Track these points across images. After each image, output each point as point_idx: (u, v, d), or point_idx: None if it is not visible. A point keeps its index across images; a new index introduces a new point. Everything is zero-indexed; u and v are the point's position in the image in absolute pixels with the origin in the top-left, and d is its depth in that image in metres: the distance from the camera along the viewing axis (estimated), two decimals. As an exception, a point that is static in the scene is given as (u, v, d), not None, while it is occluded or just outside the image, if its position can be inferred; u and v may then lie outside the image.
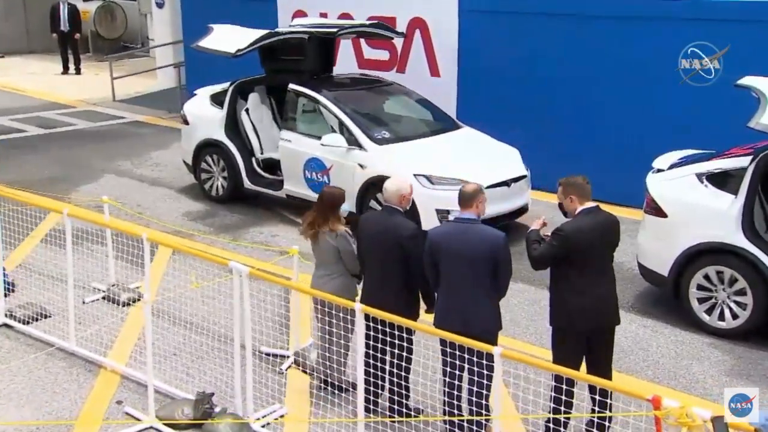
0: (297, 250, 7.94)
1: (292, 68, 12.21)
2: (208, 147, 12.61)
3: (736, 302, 8.42)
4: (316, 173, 11.35)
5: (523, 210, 11.09)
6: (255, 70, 12.85)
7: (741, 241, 8.32)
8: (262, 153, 12.44)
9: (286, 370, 7.86)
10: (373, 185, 10.72)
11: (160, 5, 21.72)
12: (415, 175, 10.48)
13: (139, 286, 9.66)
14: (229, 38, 11.95)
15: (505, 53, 13.22)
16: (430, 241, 6.56)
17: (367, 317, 6.76)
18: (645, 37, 11.70)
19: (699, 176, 8.80)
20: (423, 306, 6.97)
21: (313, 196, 11.37)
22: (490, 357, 6.30)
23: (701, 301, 8.64)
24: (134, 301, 9.27)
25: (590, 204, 6.54)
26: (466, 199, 6.50)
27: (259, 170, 12.33)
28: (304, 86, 11.75)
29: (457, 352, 6.36)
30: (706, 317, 8.61)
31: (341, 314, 7.03)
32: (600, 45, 12.26)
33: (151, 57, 23.74)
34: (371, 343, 6.71)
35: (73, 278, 8.32)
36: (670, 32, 11.42)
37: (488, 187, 10.47)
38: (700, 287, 8.61)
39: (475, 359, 6.11)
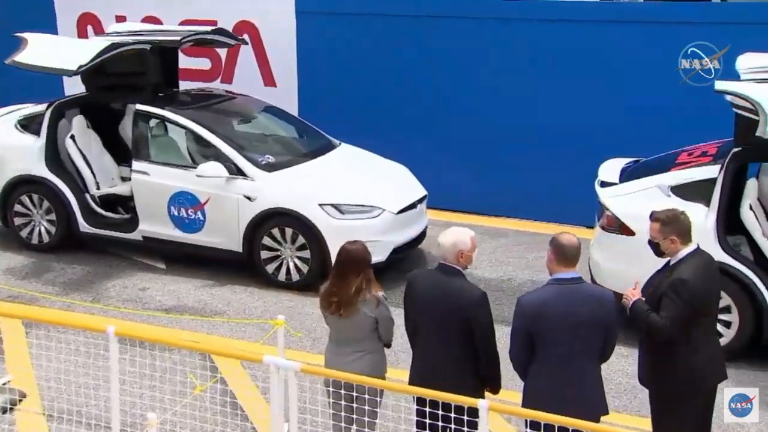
0: (284, 321, 6.25)
1: (130, 84, 10.13)
2: (23, 185, 10.13)
3: (719, 320, 7.96)
4: (187, 209, 9.43)
5: (423, 234, 9.97)
6: (26, 82, 10.88)
7: (721, 256, 7.85)
8: (98, 188, 10.20)
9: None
10: (266, 219, 9.16)
11: None
12: (320, 205, 9.07)
13: (9, 381, 7.36)
14: (57, 52, 9.58)
15: (351, 59, 11.97)
16: (525, 309, 5.28)
17: (421, 401, 5.46)
18: (644, 37, 10.77)
19: (662, 188, 8.24)
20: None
21: (182, 236, 9.55)
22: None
23: (679, 322, 8.08)
24: (15, 404, 7.00)
25: (693, 244, 5.61)
26: (569, 255, 5.26)
27: (97, 209, 10.09)
28: (155, 106, 9.76)
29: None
30: (687, 340, 8.07)
31: (377, 398, 5.75)
32: (456, 46, 11.42)
33: None
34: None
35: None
36: (667, 33, 10.64)
37: (400, 212, 9.39)
38: (677, 308, 8.05)
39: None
